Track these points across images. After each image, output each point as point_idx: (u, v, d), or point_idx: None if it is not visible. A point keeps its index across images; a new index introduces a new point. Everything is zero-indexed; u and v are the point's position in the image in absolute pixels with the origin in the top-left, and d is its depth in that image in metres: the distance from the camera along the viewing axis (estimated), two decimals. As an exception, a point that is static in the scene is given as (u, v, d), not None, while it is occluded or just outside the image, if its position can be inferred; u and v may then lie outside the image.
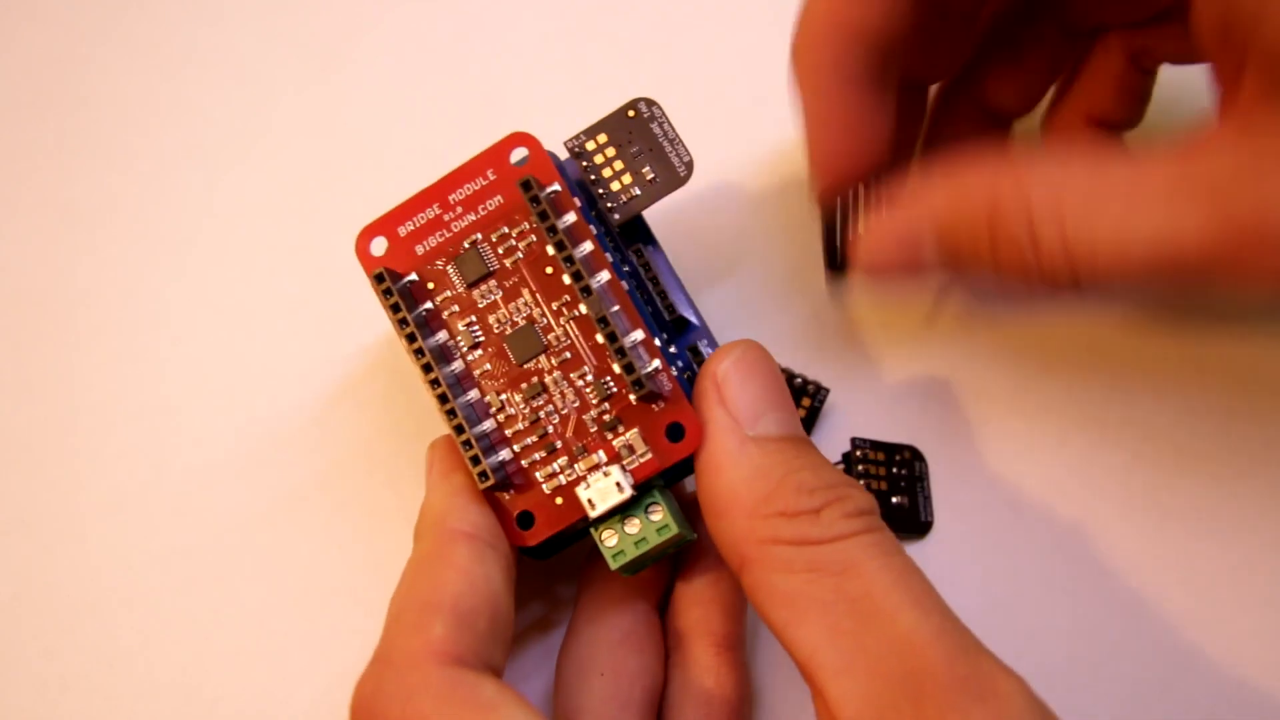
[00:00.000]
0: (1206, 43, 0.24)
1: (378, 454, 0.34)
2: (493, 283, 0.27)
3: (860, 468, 0.31)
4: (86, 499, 0.34)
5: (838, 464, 0.32)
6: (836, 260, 0.28)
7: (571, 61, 0.38)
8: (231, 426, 0.34)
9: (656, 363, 0.26)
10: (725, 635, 0.29)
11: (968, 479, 0.33)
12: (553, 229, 0.26)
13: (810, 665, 0.23)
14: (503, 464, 0.26)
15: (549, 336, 0.27)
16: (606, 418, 0.26)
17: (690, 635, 0.29)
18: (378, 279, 0.27)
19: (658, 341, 0.27)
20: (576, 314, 0.27)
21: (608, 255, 0.27)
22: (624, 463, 0.26)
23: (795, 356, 0.33)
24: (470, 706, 0.22)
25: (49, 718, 0.32)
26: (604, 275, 0.26)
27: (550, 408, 0.27)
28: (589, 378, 0.27)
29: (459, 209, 0.28)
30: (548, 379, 0.27)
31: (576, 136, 0.28)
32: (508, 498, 0.26)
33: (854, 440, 0.32)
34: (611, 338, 0.26)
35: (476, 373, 0.27)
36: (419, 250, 0.28)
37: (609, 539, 0.26)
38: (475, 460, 0.26)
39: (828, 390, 0.32)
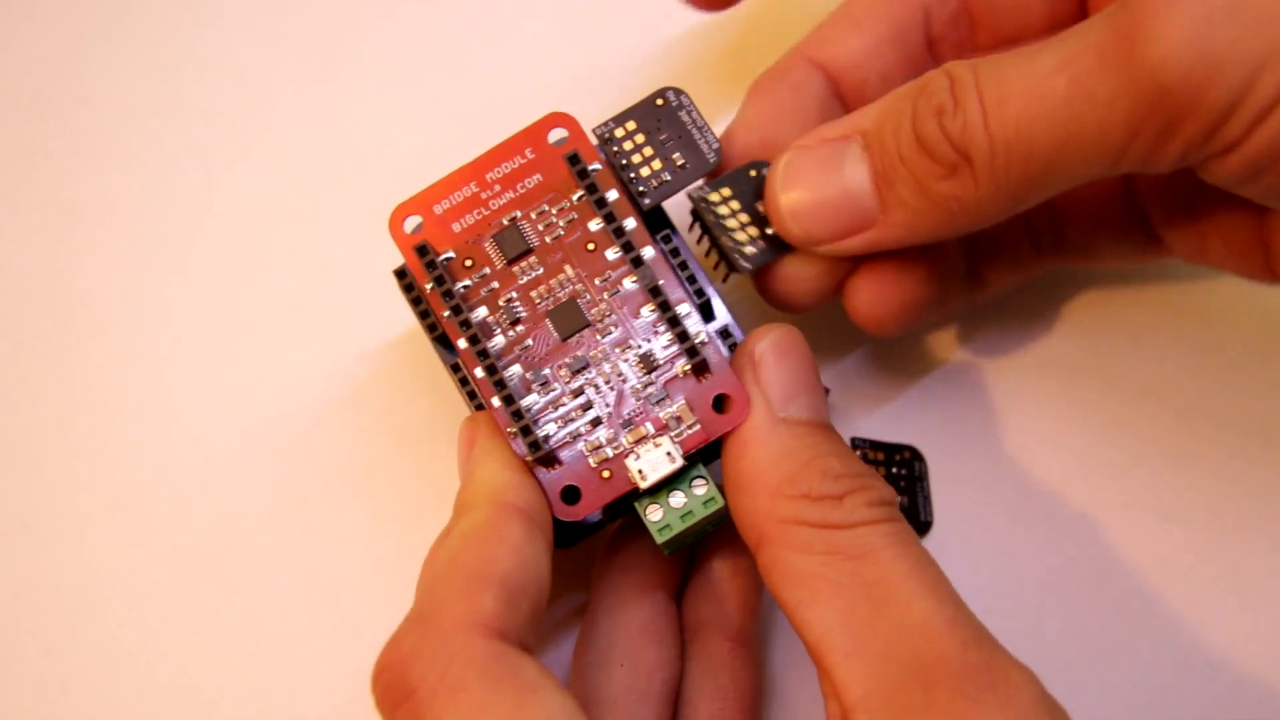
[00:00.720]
0: None
1: (378, 454, 0.34)
2: (533, 259, 0.27)
3: (866, 464, 0.31)
4: (86, 499, 0.34)
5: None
6: (734, 257, 0.28)
7: (571, 61, 0.38)
8: (231, 427, 0.34)
9: (704, 334, 0.26)
10: (740, 630, 0.29)
11: (968, 479, 0.33)
12: (602, 201, 0.27)
13: (821, 646, 0.23)
14: (547, 437, 0.26)
15: (592, 311, 0.27)
16: (652, 390, 0.27)
17: (706, 628, 0.29)
18: (420, 251, 0.27)
19: (699, 317, 0.27)
20: (620, 289, 0.27)
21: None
22: (672, 434, 0.26)
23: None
24: (512, 684, 0.22)
25: (49, 718, 0.32)
26: (649, 250, 0.27)
27: (595, 381, 0.27)
28: (633, 351, 0.27)
29: (497, 187, 0.28)
30: (592, 352, 0.27)
31: (605, 124, 0.29)
32: (551, 472, 0.26)
33: (854, 440, 0.32)
34: (664, 306, 0.26)
35: (517, 348, 0.27)
36: (456, 228, 0.28)
37: (653, 514, 0.26)
38: (527, 430, 0.26)
39: (828, 390, 0.32)
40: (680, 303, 0.27)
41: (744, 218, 0.28)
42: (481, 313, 0.27)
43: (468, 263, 0.28)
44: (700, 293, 0.28)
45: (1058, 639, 0.31)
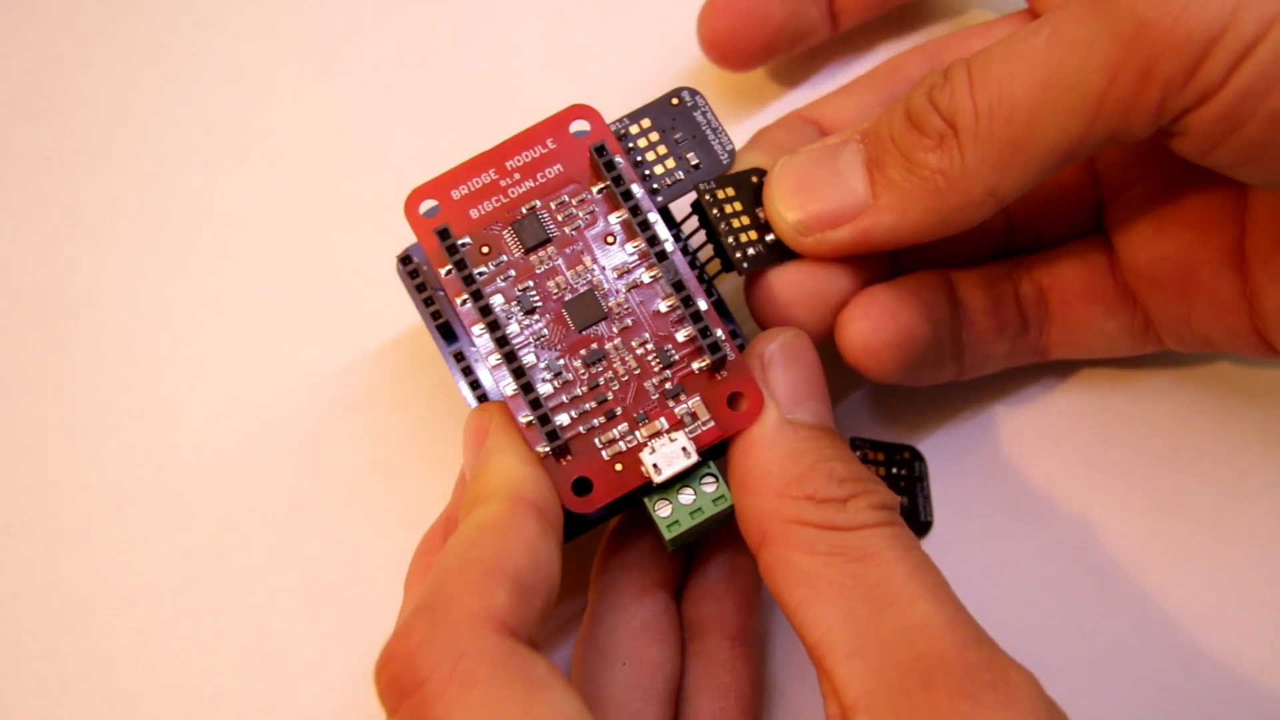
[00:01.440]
0: None
1: (378, 454, 0.34)
2: (551, 249, 0.27)
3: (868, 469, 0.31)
4: (86, 499, 0.34)
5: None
6: (733, 256, 0.28)
7: (571, 62, 0.38)
8: (231, 427, 0.34)
9: (721, 331, 0.26)
10: (740, 629, 0.29)
11: (968, 479, 0.33)
12: (628, 194, 0.27)
13: (822, 646, 0.23)
14: (561, 428, 0.26)
15: (609, 303, 0.27)
16: (668, 385, 0.27)
17: (705, 627, 0.29)
18: (441, 234, 0.27)
19: (717, 314, 0.27)
20: (639, 282, 0.27)
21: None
22: (686, 430, 0.26)
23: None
24: (522, 680, 0.21)
25: (49, 718, 0.32)
26: (671, 244, 0.27)
27: (610, 374, 0.27)
28: (650, 345, 0.27)
29: (516, 175, 0.28)
30: (608, 345, 0.27)
31: (620, 120, 0.29)
32: (562, 464, 0.26)
33: (854, 440, 0.32)
34: (687, 301, 0.26)
35: (532, 338, 0.27)
36: (473, 214, 0.27)
37: (662, 510, 0.26)
38: (545, 419, 0.26)
39: (828, 390, 0.32)
40: (700, 299, 0.27)
41: (746, 219, 0.28)
42: (497, 300, 0.27)
43: (484, 249, 0.27)
44: (712, 291, 0.28)
45: (1058, 639, 0.31)
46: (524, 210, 0.27)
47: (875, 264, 0.29)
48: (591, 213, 0.27)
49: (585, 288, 0.27)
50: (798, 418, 0.26)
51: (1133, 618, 0.31)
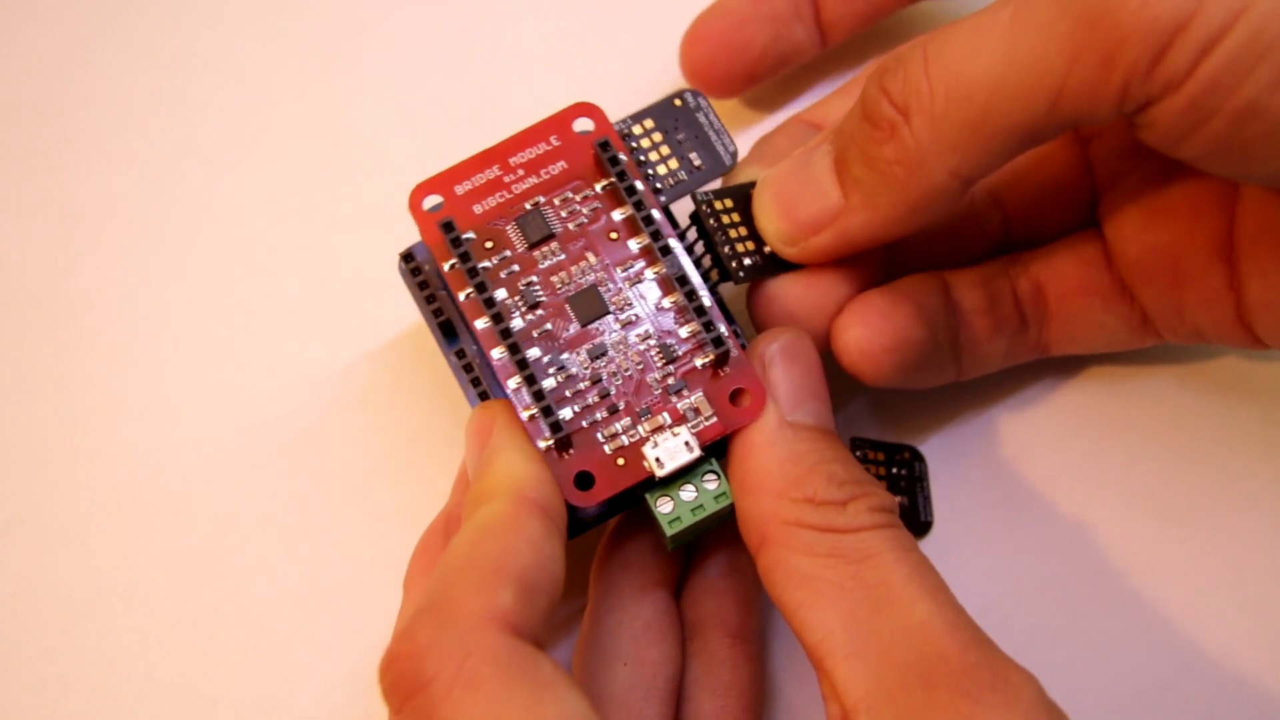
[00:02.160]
0: None
1: (378, 454, 0.34)
2: (555, 245, 0.27)
3: (867, 471, 0.31)
4: (86, 499, 0.34)
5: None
6: (730, 265, 0.28)
7: (572, 63, 0.38)
8: (231, 427, 0.34)
9: (724, 327, 0.26)
10: (740, 627, 0.29)
11: (968, 479, 0.33)
12: (631, 189, 0.27)
13: (822, 648, 0.23)
14: (564, 421, 0.26)
15: (612, 299, 0.27)
16: (671, 381, 0.27)
17: (705, 626, 0.29)
18: (445, 228, 0.27)
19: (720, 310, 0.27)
20: (643, 278, 0.27)
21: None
22: (689, 425, 0.26)
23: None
24: (528, 681, 0.21)
25: (49, 718, 0.32)
26: (675, 241, 0.27)
27: (613, 369, 0.27)
28: (653, 340, 0.27)
29: (520, 171, 0.28)
30: (611, 340, 0.27)
31: (624, 120, 0.29)
32: (565, 458, 0.26)
33: (854, 440, 0.32)
34: (690, 296, 0.26)
35: (536, 332, 0.27)
36: (477, 209, 0.28)
37: (663, 506, 0.26)
38: (548, 411, 0.26)
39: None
40: (704, 295, 0.27)
41: (743, 230, 0.28)
42: (501, 294, 0.27)
43: (488, 244, 0.27)
44: (715, 290, 0.28)
45: (1057, 639, 0.31)
46: (528, 206, 0.28)
47: (871, 269, 0.29)
48: (595, 209, 0.28)
49: (588, 283, 0.27)
50: (798, 419, 0.26)
51: (1133, 618, 0.31)
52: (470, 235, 0.27)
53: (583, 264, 0.27)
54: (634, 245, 0.27)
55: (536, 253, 0.27)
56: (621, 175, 0.27)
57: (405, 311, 0.32)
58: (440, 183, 0.28)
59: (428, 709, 0.21)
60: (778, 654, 0.32)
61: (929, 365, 0.29)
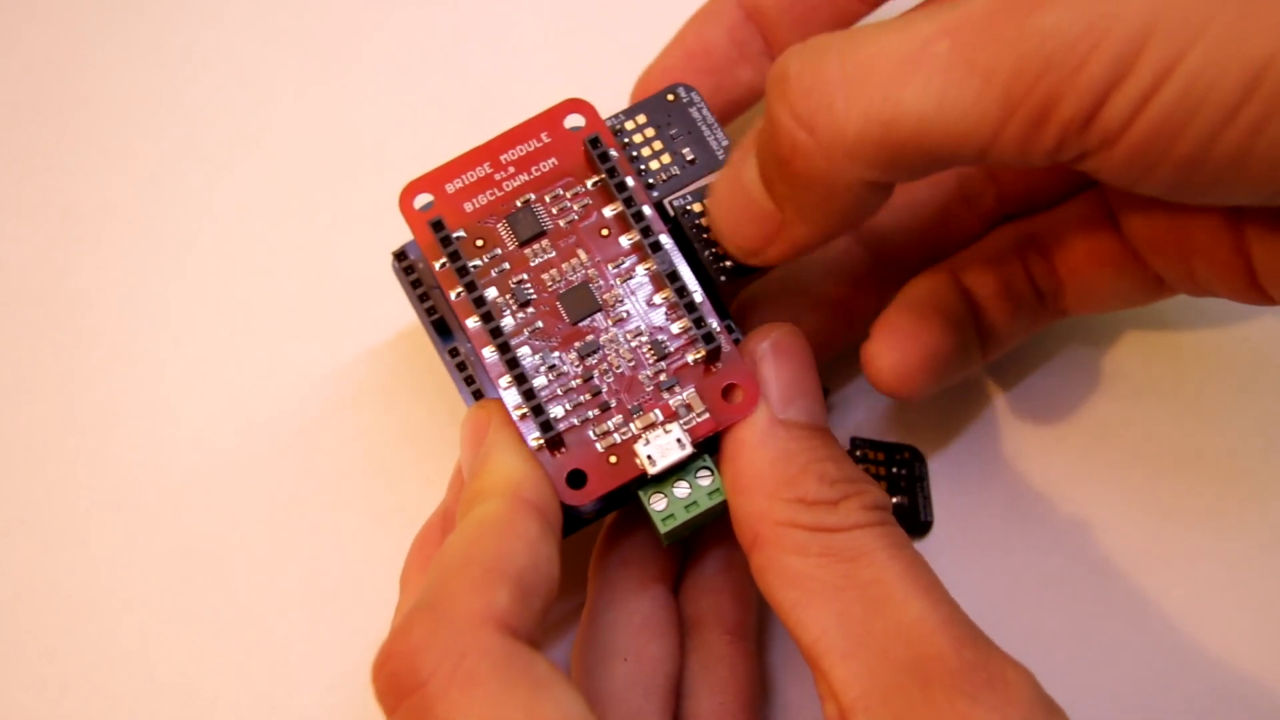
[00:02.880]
0: None
1: (378, 454, 0.34)
2: (545, 242, 0.27)
3: (860, 468, 0.31)
4: (86, 499, 0.34)
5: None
6: (712, 270, 0.28)
7: (571, 63, 0.38)
8: (231, 427, 0.34)
9: (717, 322, 0.26)
10: (738, 623, 0.29)
11: (968, 479, 0.33)
12: (622, 185, 0.27)
13: (816, 648, 0.23)
14: (555, 420, 0.26)
15: (604, 296, 0.27)
16: (663, 377, 0.26)
17: (703, 622, 0.29)
18: (435, 226, 0.27)
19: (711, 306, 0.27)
20: (634, 275, 0.27)
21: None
22: (681, 422, 0.26)
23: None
24: (525, 680, 0.21)
25: (49, 718, 0.32)
26: (665, 238, 0.27)
27: (604, 366, 0.27)
28: (645, 337, 0.27)
29: (511, 169, 0.28)
30: (602, 337, 0.27)
31: (616, 115, 0.29)
32: (557, 456, 0.26)
33: (854, 440, 0.32)
34: (681, 292, 0.26)
35: (527, 330, 0.27)
36: (468, 208, 0.27)
37: (657, 503, 0.26)
38: (539, 410, 0.26)
39: (827, 390, 0.32)
40: (695, 291, 0.27)
41: None
42: (491, 293, 0.27)
43: (479, 243, 0.27)
44: (708, 285, 0.28)
45: (1057, 639, 0.31)
46: (518, 204, 0.27)
47: (853, 267, 0.28)
48: (586, 206, 0.27)
49: (580, 280, 0.27)
50: (789, 416, 0.26)
51: (1132, 618, 0.31)
52: (461, 234, 0.27)
53: (574, 261, 0.27)
54: (625, 242, 0.27)
55: (527, 250, 0.27)
56: (612, 172, 0.27)
57: (404, 311, 0.32)
58: (430, 181, 0.28)
59: (423, 708, 0.21)
60: (776, 651, 0.32)
61: (960, 365, 0.29)
